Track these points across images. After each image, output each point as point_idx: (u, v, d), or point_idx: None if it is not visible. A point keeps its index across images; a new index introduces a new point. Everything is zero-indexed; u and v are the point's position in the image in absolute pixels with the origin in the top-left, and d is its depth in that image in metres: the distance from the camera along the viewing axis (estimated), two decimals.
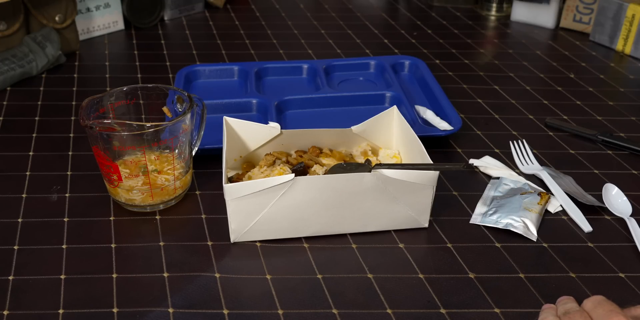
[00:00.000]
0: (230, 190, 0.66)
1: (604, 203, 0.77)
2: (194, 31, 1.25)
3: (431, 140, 0.87)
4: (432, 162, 0.69)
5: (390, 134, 0.79)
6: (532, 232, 0.72)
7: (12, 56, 1.01)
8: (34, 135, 0.89)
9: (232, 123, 0.76)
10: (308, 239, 0.71)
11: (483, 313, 0.62)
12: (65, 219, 0.73)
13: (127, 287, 0.64)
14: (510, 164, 0.85)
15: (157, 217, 0.74)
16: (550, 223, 0.75)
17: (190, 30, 1.26)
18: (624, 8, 1.16)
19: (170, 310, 0.61)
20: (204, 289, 0.64)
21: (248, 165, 0.78)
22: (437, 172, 0.68)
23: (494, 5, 1.37)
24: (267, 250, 0.69)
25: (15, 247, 0.69)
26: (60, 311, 0.61)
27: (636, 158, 0.87)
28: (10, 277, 0.65)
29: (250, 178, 0.74)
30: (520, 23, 1.33)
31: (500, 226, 0.72)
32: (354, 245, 0.70)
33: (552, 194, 0.78)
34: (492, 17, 1.37)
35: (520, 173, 0.83)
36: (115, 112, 0.75)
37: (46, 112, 0.95)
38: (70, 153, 0.85)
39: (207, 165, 0.82)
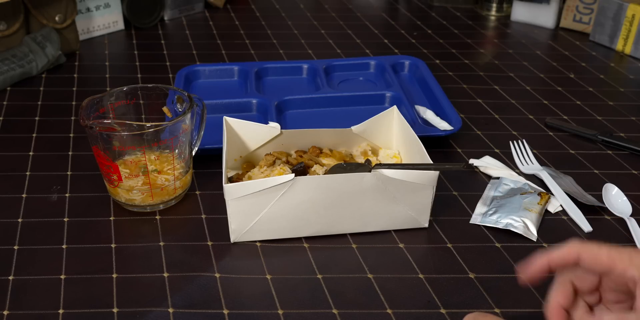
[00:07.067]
0: (230, 190, 0.66)
1: (604, 203, 0.77)
2: (194, 31, 1.25)
3: (431, 140, 0.87)
4: (432, 162, 0.69)
5: (390, 134, 0.79)
6: (532, 232, 0.72)
7: (12, 56, 1.01)
8: (34, 135, 0.89)
9: (232, 123, 0.76)
10: (308, 239, 0.71)
11: None
12: (65, 219, 0.73)
13: (127, 287, 0.64)
14: (510, 164, 0.85)
15: (157, 217, 0.74)
16: (550, 223, 0.75)
17: (190, 30, 1.26)
18: (624, 8, 1.16)
19: (170, 310, 0.61)
20: (204, 289, 0.64)
21: (248, 165, 0.78)
22: (437, 172, 0.68)
23: (494, 5, 1.37)
24: (267, 250, 0.69)
25: (15, 247, 0.69)
26: (60, 311, 0.61)
27: (636, 158, 0.87)
28: (10, 277, 0.65)
29: (250, 178, 0.74)
30: (520, 23, 1.33)
31: (500, 226, 0.72)
32: (354, 245, 0.70)
33: (552, 194, 0.78)
34: (492, 17, 1.37)
35: (520, 173, 0.83)
36: (115, 112, 0.75)
37: (46, 112, 0.95)
38: (70, 153, 0.85)
39: (207, 165, 0.82)
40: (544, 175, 0.81)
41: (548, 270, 0.56)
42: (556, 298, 0.56)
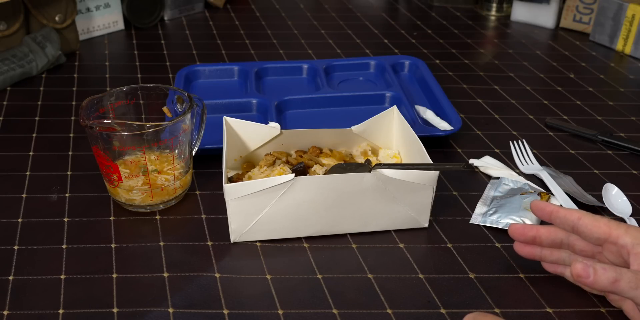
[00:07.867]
0: (230, 190, 0.66)
1: (604, 203, 0.77)
2: (194, 31, 1.25)
3: (431, 140, 0.87)
4: (432, 162, 0.69)
5: (390, 134, 0.79)
6: None
7: (12, 56, 1.01)
8: (34, 135, 0.89)
9: (232, 123, 0.76)
10: (308, 239, 0.71)
11: None
12: (65, 219, 0.73)
13: (127, 287, 0.64)
14: (510, 164, 0.85)
15: (157, 217, 0.74)
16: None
17: (190, 30, 1.26)
18: (624, 8, 1.16)
19: (170, 310, 0.61)
20: (204, 289, 0.64)
21: (248, 165, 0.78)
22: (437, 172, 0.68)
23: (494, 5, 1.37)
24: (267, 250, 0.69)
25: (15, 247, 0.69)
26: (60, 311, 0.61)
27: (636, 158, 0.87)
28: (10, 277, 0.65)
29: (250, 178, 0.74)
30: (520, 23, 1.33)
31: (500, 226, 0.72)
32: (354, 245, 0.70)
33: (552, 194, 0.78)
34: (492, 17, 1.37)
35: (520, 173, 0.83)
36: (115, 112, 0.75)
37: (46, 112, 0.95)
38: (70, 153, 0.85)
39: (207, 165, 0.82)
40: (544, 175, 0.81)
41: (548, 219, 0.62)
42: (537, 226, 0.63)
